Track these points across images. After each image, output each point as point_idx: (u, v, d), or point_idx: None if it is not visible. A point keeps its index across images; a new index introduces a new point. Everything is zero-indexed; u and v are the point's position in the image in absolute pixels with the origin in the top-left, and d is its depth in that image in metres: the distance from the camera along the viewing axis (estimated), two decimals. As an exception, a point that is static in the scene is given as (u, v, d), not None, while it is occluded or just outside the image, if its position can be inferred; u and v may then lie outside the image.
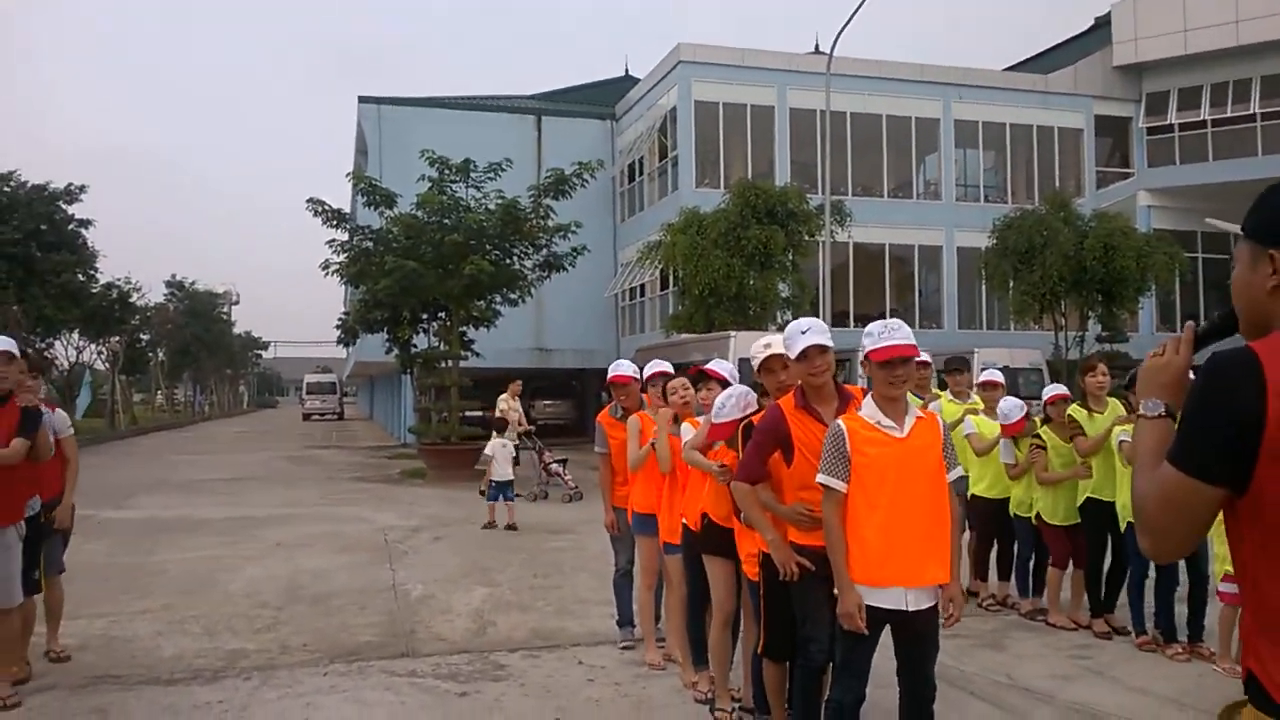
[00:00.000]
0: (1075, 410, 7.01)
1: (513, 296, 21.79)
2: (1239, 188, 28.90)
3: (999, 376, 7.88)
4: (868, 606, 3.65)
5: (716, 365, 5.39)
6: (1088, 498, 6.84)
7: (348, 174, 20.77)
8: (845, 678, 3.75)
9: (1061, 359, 24.29)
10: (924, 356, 6.13)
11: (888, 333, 3.73)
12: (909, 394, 4.10)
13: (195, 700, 5.49)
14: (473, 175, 21.00)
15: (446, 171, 20.87)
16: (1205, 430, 1.75)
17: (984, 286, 27.18)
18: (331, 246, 21.21)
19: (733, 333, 18.15)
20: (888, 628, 3.75)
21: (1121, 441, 6.40)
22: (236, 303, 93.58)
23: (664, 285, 27.85)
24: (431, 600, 8.14)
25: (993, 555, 7.81)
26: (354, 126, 35.16)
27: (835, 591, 3.72)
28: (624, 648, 6.44)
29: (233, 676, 5.95)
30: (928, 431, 3.80)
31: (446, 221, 20.45)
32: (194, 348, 60.00)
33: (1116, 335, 24.52)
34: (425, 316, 22.55)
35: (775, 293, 22.14)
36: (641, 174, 32.52)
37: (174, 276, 59.27)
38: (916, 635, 3.76)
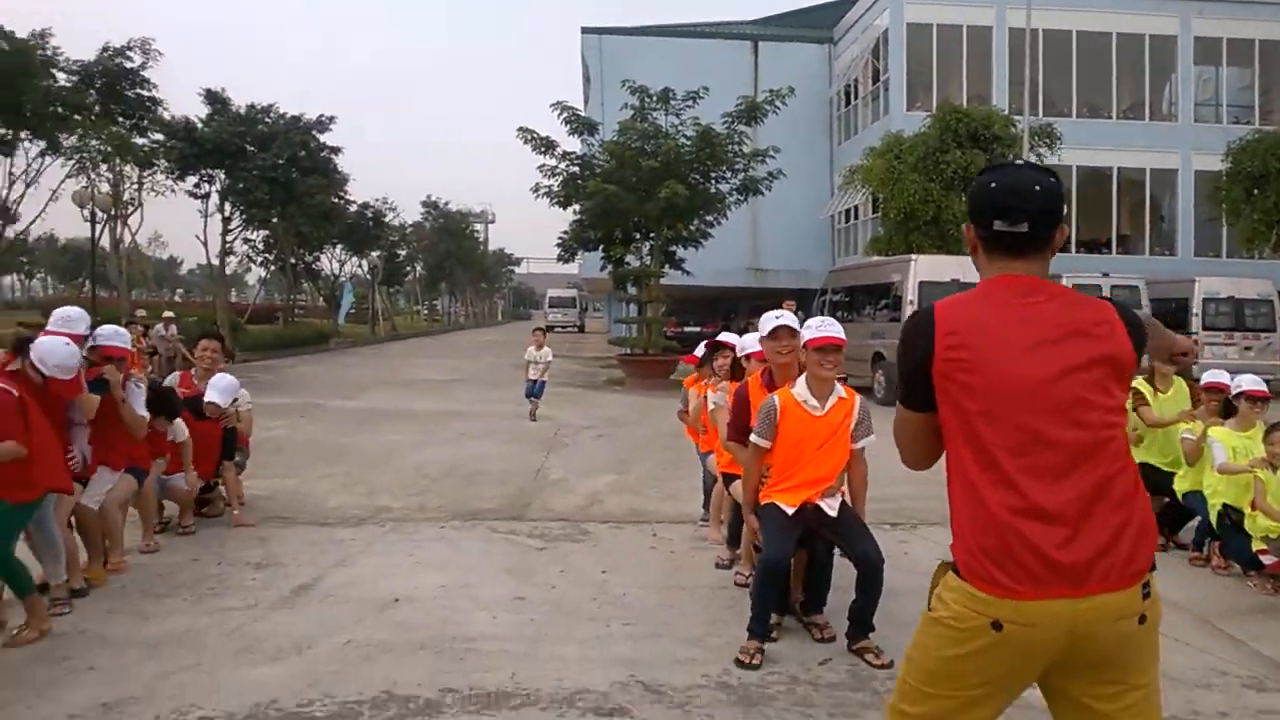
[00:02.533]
0: (1142, 384, 7.18)
1: (709, 219, 22.56)
2: None
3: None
4: (791, 514, 4.78)
5: (726, 336, 6.19)
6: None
7: (552, 104, 22.05)
8: (767, 547, 4.71)
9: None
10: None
11: (825, 326, 4.72)
12: None
13: (334, 537, 6.91)
14: (672, 103, 21.85)
15: (647, 100, 21.85)
16: (905, 374, 2.36)
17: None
18: (542, 171, 22.71)
19: (914, 256, 18.25)
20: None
21: (1184, 438, 6.69)
22: (493, 221, 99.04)
23: (874, 209, 27.87)
24: (562, 482, 9.35)
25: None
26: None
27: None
28: (701, 522, 7.40)
29: (372, 524, 7.36)
30: (841, 410, 4.81)
31: (646, 148, 21.48)
32: (448, 263, 64.38)
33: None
34: (638, 236, 23.69)
35: (976, 217, 21.84)
36: (856, 98, 32.30)
37: (429, 197, 63.53)
38: (836, 525, 4.82)
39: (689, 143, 21.52)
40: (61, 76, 22.50)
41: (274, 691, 4.12)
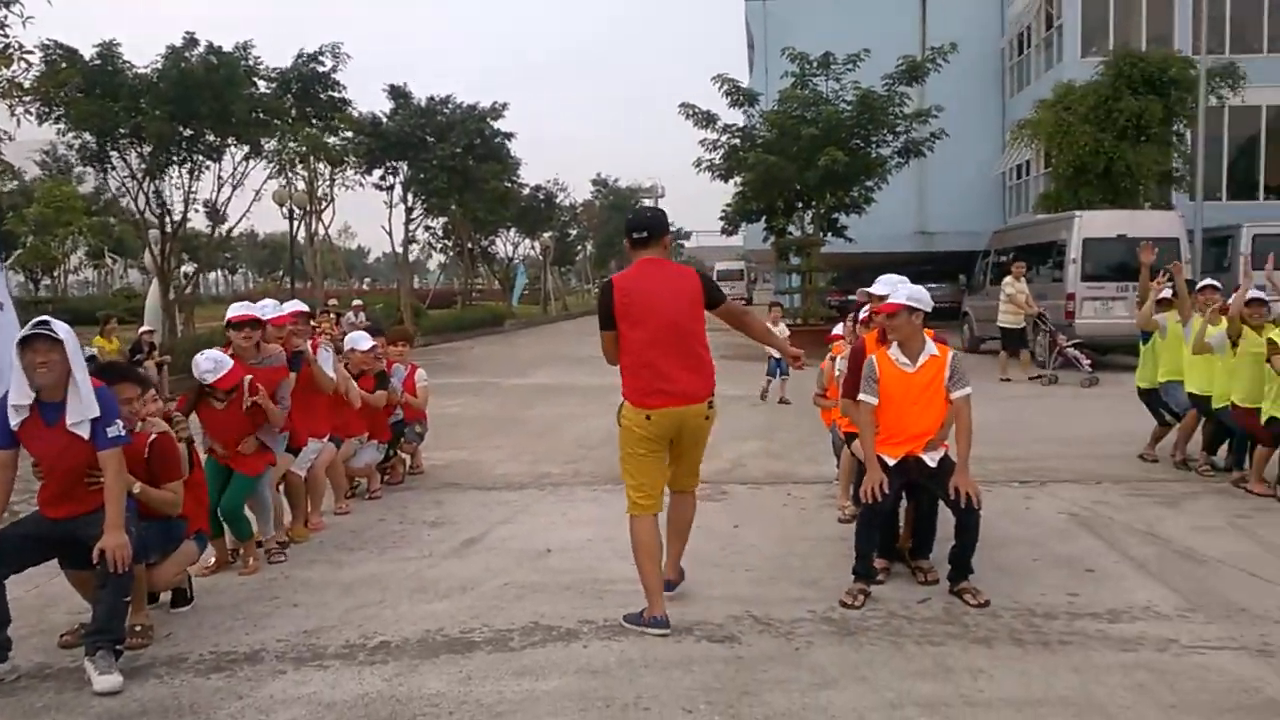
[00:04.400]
0: (1277, 334, 7.24)
1: (869, 184, 22.55)
2: None
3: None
4: (892, 465, 5.22)
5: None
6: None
7: (712, 77, 22.49)
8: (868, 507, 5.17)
9: None
10: None
11: (892, 293, 5.22)
12: None
13: (500, 499, 7.77)
14: (833, 67, 21.91)
15: (807, 66, 22.00)
16: (603, 312, 4.83)
17: None
18: (703, 145, 23.23)
19: (1078, 213, 17.87)
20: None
21: None
22: (662, 195, 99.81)
23: (1046, 164, 27.06)
24: (711, 447, 9.79)
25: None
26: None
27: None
28: (835, 481, 7.86)
29: (533, 488, 8.19)
30: (933, 367, 5.21)
31: (807, 115, 21.64)
32: (617, 240, 65.59)
33: None
34: (800, 205, 23.88)
35: (1150, 167, 20.98)
36: (1029, 46, 31.24)
37: (599, 175, 64.89)
38: (936, 475, 5.19)
39: (849, 108, 21.57)
40: (262, 84, 24.32)
41: (442, 622, 4.91)
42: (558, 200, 46.06)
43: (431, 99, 31.37)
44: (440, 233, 39.60)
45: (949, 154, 24.96)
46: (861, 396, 5.31)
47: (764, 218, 24.78)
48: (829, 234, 23.70)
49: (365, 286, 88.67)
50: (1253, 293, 7.73)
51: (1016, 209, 32.34)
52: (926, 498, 5.41)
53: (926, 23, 33.00)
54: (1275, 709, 3.78)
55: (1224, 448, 8.28)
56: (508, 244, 47.41)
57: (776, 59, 24.75)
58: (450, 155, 29.14)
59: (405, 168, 30.57)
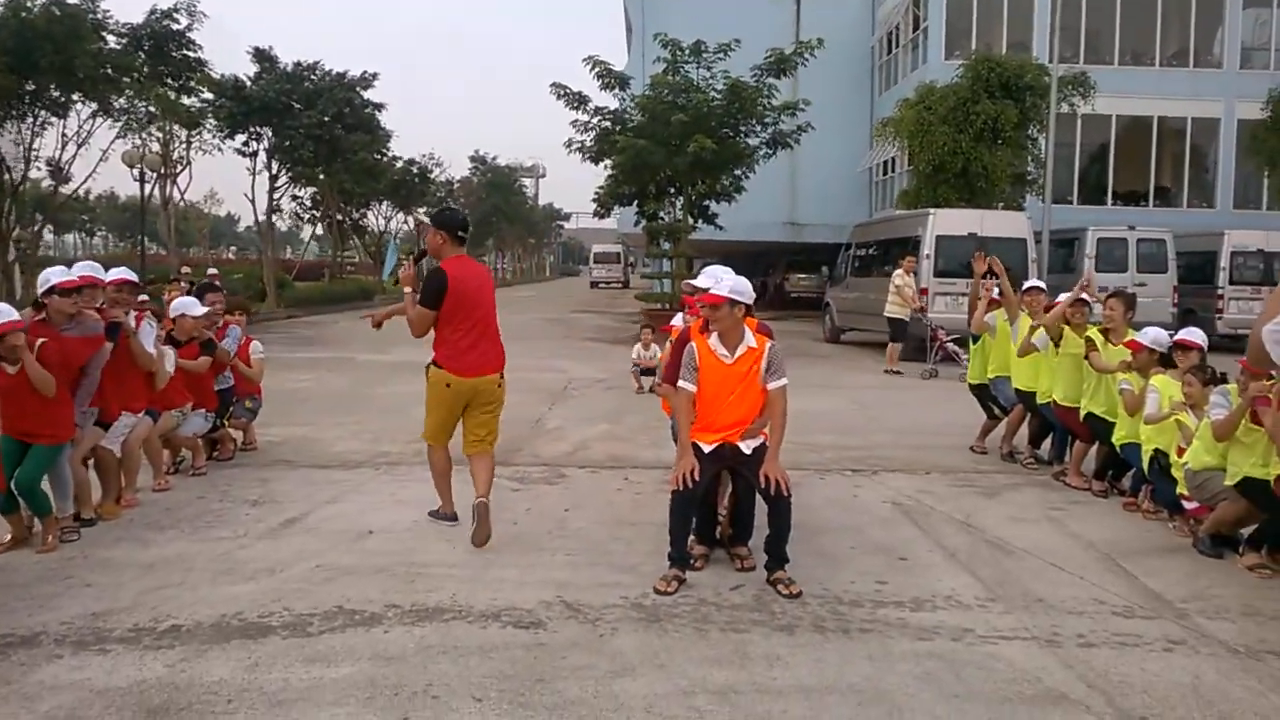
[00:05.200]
0: (1095, 333, 7.58)
1: (736, 173, 22.75)
2: None
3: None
4: (707, 452, 5.21)
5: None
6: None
7: (584, 58, 22.31)
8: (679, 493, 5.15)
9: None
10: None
11: (715, 285, 5.17)
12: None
13: (330, 478, 7.55)
14: (704, 56, 21.99)
15: (679, 53, 22.02)
16: (433, 294, 5.77)
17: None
18: (575, 126, 23.06)
19: (932, 211, 18.38)
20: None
21: (1122, 389, 7.02)
22: (543, 176, 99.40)
23: (909, 161, 27.76)
24: (557, 430, 9.90)
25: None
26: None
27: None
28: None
29: (368, 467, 7.98)
30: (750, 358, 5.19)
31: (678, 102, 21.67)
32: (494, 218, 64.89)
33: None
34: (672, 191, 23.91)
35: (1004, 169, 21.71)
36: (896, 46, 31.98)
37: (477, 152, 64.02)
38: (750, 462, 5.16)
39: (719, 96, 21.68)
40: (111, 39, 23.10)
41: (241, 605, 4.72)
42: (433, 175, 45.21)
43: (299, 64, 30.36)
44: (308, 203, 38.44)
45: (820, 147, 25.42)
46: (680, 383, 5.30)
47: (635, 202, 24.76)
48: (700, 221, 23.84)
49: (231, 255, 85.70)
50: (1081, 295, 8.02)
51: (882, 204, 33.13)
52: (743, 484, 5.44)
53: (800, 17, 33.45)
54: (1052, 698, 3.90)
55: (1049, 441, 8.61)
56: (380, 218, 46.35)
57: (652, 44, 24.73)
58: (317, 123, 28.24)
59: (270, 134, 29.51)
